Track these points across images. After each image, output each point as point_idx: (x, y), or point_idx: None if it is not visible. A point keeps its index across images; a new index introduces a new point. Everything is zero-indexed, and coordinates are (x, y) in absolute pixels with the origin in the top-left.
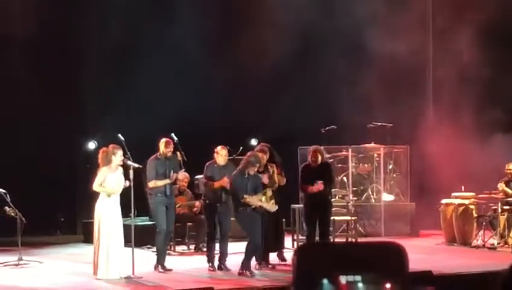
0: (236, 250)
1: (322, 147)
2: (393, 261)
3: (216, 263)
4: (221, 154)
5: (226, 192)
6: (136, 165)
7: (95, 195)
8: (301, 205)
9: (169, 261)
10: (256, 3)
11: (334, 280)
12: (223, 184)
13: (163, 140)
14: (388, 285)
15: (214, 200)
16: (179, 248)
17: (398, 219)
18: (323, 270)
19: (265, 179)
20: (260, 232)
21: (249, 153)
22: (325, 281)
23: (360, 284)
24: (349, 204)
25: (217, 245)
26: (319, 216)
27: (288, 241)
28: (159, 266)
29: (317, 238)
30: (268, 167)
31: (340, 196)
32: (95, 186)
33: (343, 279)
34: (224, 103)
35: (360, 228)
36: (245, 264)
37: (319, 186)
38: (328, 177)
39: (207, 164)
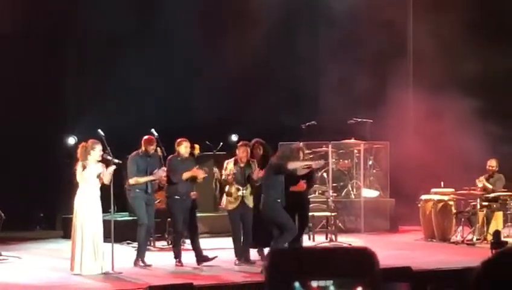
0: (217, 246)
1: (303, 145)
2: (364, 266)
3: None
4: (185, 146)
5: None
6: (116, 161)
7: (74, 190)
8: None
9: (149, 256)
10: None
11: (305, 284)
12: (198, 175)
13: (146, 138)
14: (359, 289)
15: (182, 194)
16: (159, 244)
17: (378, 215)
18: (295, 275)
19: (257, 173)
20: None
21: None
22: (297, 284)
23: (332, 289)
24: (329, 200)
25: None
26: (298, 214)
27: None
28: (139, 261)
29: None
30: (250, 162)
31: (320, 191)
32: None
33: (314, 284)
34: (205, 98)
35: (339, 224)
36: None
37: (301, 186)
38: (310, 177)
39: (169, 157)
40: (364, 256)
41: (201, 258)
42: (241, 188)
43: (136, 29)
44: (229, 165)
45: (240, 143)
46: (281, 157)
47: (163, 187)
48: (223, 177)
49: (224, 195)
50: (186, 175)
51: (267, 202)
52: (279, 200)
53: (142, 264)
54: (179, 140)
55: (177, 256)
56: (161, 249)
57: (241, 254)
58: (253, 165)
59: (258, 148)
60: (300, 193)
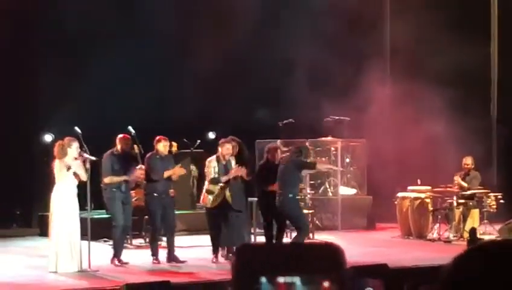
0: (194, 243)
1: (280, 144)
2: (331, 262)
3: (163, 256)
4: (163, 144)
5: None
6: (93, 158)
7: (51, 187)
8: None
9: (126, 254)
10: None
11: (272, 280)
12: (180, 172)
13: (121, 136)
14: (326, 284)
15: (161, 192)
16: (136, 241)
17: (355, 213)
18: (262, 270)
19: (238, 171)
20: None
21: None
22: (264, 280)
23: (299, 284)
24: (306, 197)
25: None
26: (275, 213)
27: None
28: (116, 260)
29: (274, 232)
30: (230, 159)
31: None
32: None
33: (281, 279)
34: (183, 96)
35: (317, 222)
36: None
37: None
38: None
39: (148, 155)
40: (332, 252)
41: (171, 257)
42: (225, 186)
43: (112, 27)
44: (212, 163)
45: (223, 140)
46: (303, 155)
47: (141, 185)
48: (212, 175)
49: (205, 192)
50: (167, 173)
51: (288, 198)
52: (298, 197)
53: (118, 264)
54: (157, 138)
55: (154, 254)
56: (138, 247)
57: (227, 251)
58: (233, 162)
59: (234, 146)
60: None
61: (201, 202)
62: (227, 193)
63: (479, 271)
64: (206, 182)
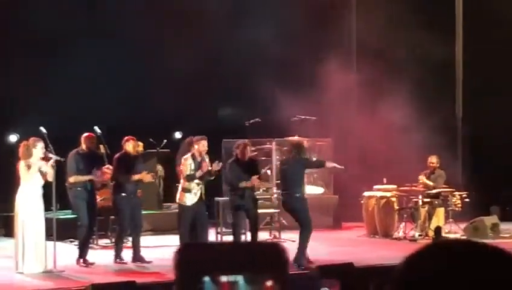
0: (160, 243)
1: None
2: (274, 261)
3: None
4: (132, 145)
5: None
6: (58, 158)
7: (16, 188)
8: (225, 198)
9: (92, 254)
10: None
11: (215, 279)
12: (146, 179)
13: (85, 135)
14: (269, 283)
15: (129, 192)
16: (102, 242)
17: (321, 212)
18: (204, 270)
19: (215, 166)
20: None
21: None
22: (207, 279)
23: (242, 283)
24: (272, 197)
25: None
26: (248, 211)
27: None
28: (81, 260)
29: (243, 231)
30: (204, 156)
31: (264, 188)
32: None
33: (225, 279)
34: (149, 96)
35: (283, 221)
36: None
37: (254, 181)
38: (257, 172)
39: (117, 156)
40: (275, 251)
41: (137, 257)
42: (200, 183)
43: (79, 28)
44: (188, 160)
45: (198, 137)
46: (302, 153)
47: (107, 185)
48: (188, 173)
49: (181, 190)
50: (136, 177)
51: (296, 197)
52: (305, 196)
53: (84, 264)
54: (126, 138)
55: (119, 254)
56: (104, 247)
57: None
58: (207, 158)
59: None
60: (251, 190)
61: (177, 200)
62: (203, 191)
63: (431, 270)
64: (182, 180)
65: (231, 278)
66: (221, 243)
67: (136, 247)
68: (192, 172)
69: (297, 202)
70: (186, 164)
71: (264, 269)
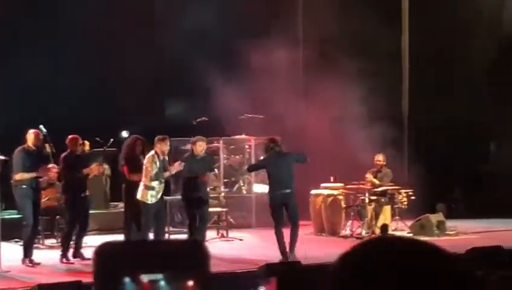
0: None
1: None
2: (195, 260)
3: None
4: (79, 143)
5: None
6: (2, 158)
7: None
8: (173, 197)
9: (38, 255)
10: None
11: (136, 278)
12: (98, 171)
13: (32, 131)
14: (190, 283)
15: (79, 190)
16: (48, 242)
17: (269, 210)
18: (125, 269)
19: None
20: None
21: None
22: (127, 280)
23: (162, 283)
24: (220, 195)
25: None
26: (201, 208)
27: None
28: (27, 260)
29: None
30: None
31: (211, 187)
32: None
33: (145, 278)
34: (96, 95)
35: (231, 219)
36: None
37: (210, 177)
38: (212, 168)
39: (64, 155)
40: (196, 250)
41: (78, 254)
42: (162, 181)
43: (28, 26)
44: (154, 158)
45: (160, 137)
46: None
47: (54, 184)
48: (155, 171)
49: (144, 188)
50: (86, 171)
51: (293, 193)
52: None
53: (30, 264)
54: (70, 137)
55: (66, 253)
56: (50, 247)
57: None
58: (166, 158)
59: (139, 145)
60: (204, 188)
61: (139, 197)
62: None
63: (364, 268)
64: (144, 178)
65: (152, 276)
66: (141, 242)
67: (79, 243)
68: (156, 170)
69: (294, 198)
70: (152, 163)
71: (185, 267)
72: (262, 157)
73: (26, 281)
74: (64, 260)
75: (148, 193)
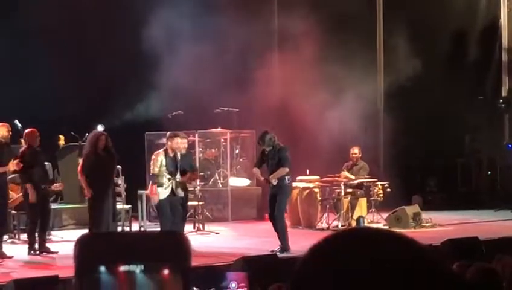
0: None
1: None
2: (174, 250)
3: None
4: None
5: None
6: None
7: None
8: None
9: (13, 249)
10: None
11: (113, 269)
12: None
13: (1, 124)
14: (166, 271)
15: (38, 183)
16: (23, 236)
17: (245, 204)
18: (104, 260)
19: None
20: None
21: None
22: (103, 269)
23: (139, 273)
24: (196, 189)
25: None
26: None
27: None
28: None
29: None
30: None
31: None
32: None
33: (122, 268)
34: (71, 89)
35: (207, 213)
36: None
37: (195, 175)
38: (193, 165)
39: (23, 149)
40: (175, 241)
41: (44, 247)
42: (171, 177)
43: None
44: (159, 156)
45: (170, 134)
46: None
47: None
48: (154, 169)
49: (154, 186)
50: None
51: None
52: None
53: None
54: (28, 131)
55: (33, 246)
56: (25, 242)
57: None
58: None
59: (103, 140)
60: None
61: (148, 194)
62: (173, 185)
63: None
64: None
65: (128, 267)
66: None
67: (44, 236)
68: (162, 168)
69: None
70: (156, 160)
71: (164, 258)
72: (287, 152)
73: None
74: (34, 252)
75: (158, 189)
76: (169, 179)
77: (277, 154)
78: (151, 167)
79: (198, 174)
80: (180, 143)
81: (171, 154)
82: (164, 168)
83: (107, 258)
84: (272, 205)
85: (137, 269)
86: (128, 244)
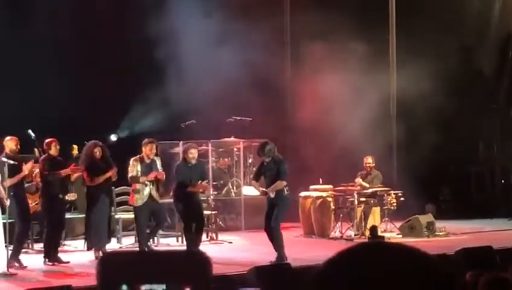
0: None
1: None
2: (196, 270)
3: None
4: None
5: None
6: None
7: None
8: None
9: (28, 259)
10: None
11: (135, 288)
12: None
13: (8, 138)
14: None
15: (58, 193)
16: (37, 246)
17: (258, 213)
18: (126, 279)
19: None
20: None
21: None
22: (124, 288)
23: None
24: (209, 198)
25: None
26: (196, 213)
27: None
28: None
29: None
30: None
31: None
32: None
33: (144, 288)
34: (84, 99)
35: (220, 222)
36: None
37: (204, 187)
38: (205, 176)
39: (42, 158)
40: (197, 261)
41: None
42: (148, 183)
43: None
44: (135, 162)
45: (145, 140)
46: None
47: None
48: (131, 174)
49: (131, 192)
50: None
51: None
52: None
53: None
54: (48, 141)
55: (49, 254)
56: (39, 252)
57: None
58: (158, 161)
59: (98, 151)
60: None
61: (129, 201)
62: (153, 191)
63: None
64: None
65: (153, 286)
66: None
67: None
68: (138, 174)
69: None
70: (131, 166)
71: (185, 279)
72: (286, 165)
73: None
74: (46, 261)
75: (135, 196)
76: (145, 185)
77: (276, 165)
78: (129, 173)
79: (210, 185)
80: (190, 153)
81: (147, 161)
82: (139, 174)
83: (129, 277)
84: (269, 216)
85: (159, 288)
86: (150, 264)
